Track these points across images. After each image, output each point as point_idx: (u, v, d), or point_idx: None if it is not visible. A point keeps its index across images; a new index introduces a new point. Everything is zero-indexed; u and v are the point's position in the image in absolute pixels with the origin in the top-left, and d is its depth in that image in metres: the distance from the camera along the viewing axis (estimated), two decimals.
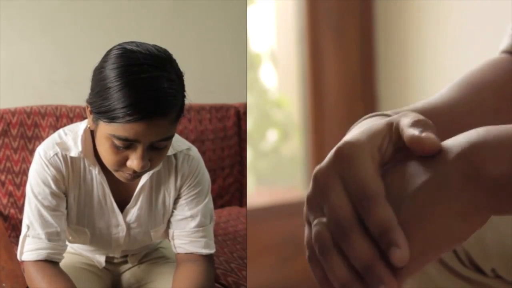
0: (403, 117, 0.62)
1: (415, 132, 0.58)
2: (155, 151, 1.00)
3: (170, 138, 1.01)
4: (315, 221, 0.60)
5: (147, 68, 0.94)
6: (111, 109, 0.94)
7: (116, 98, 0.93)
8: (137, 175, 1.04)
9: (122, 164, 1.00)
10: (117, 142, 0.97)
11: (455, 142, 0.57)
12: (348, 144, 0.61)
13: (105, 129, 0.97)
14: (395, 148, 0.61)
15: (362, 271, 0.58)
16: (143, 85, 0.93)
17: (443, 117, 0.73)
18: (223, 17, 2.09)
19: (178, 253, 1.19)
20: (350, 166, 0.59)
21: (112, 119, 0.94)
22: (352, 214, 0.58)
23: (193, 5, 2.05)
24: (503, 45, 0.88)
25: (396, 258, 0.56)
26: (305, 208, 0.63)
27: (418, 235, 0.57)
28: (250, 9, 2.31)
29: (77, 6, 1.87)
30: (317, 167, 0.62)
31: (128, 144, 0.97)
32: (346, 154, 0.60)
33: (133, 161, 0.98)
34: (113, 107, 0.93)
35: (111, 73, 0.95)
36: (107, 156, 1.01)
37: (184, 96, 1.01)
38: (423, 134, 0.58)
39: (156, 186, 1.17)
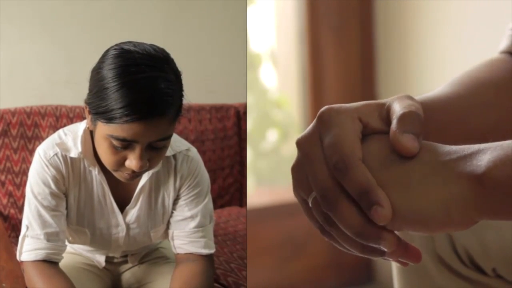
0: (397, 100, 0.62)
1: (396, 130, 0.59)
2: (153, 151, 1.00)
3: (168, 138, 1.01)
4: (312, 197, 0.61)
5: (144, 69, 0.94)
6: (108, 110, 0.94)
7: (113, 99, 0.93)
8: (136, 175, 1.05)
9: (121, 164, 1.01)
10: (115, 143, 0.97)
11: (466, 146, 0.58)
12: (329, 109, 0.62)
13: (103, 129, 0.97)
14: (384, 124, 0.62)
15: (357, 238, 0.58)
16: (140, 86, 0.93)
17: (441, 112, 0.73)
18: (223, 17, 2.08)
19: (178, 253, 1.19)
20: (328, 130, 0.60)
21: (110, 120, 0.94)
22: (334, 183, 0.59)
23: (193, 5, 2.05)
24: (502, 45, 0.89)
25: (379, 216, 0.56)
26: (292, 181, 0.64)
27: (395, 200, 0.57)
28: (250, 9, 2.31)
29: (77, 6, 1.87)
30: (300, 135, 0.63)
31: (126, 144, 0.97)
32: (326, 119, 0.61)
33: (132, 161, 0.98)
34: (111, 107, 0.93)
35: (108, 73, 0.95)
36: (106, 156, 1.01)
37: (182, 96, 1.01)
38: (403, 136, 0.58)
39: (155, 186, 1.17)
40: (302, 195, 0.64)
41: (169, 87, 0.96)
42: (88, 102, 1.00)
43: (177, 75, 1.00)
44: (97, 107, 0.96)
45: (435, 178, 0.56)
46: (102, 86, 0.95)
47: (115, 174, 1.05)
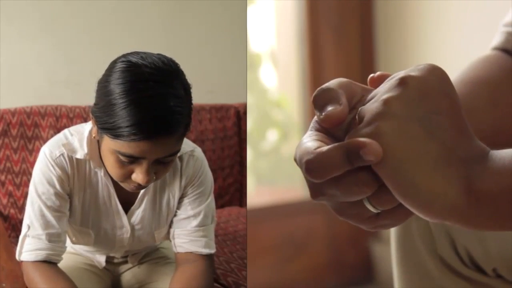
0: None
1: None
2: (160, 165, 1.00)
3: (176, 153, 1.00)
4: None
5: (153, 85, 0.93)
6: (115, 127, 0.93)
7: (121, 116, 0.92)
8: (142, 187, 1.04)
9: (127, 176, 1.00)
10: (122, 158, 0.96)
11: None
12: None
13: (110, 144, 0.97)
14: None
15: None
16: (148, 104, 0.92)
17: None
18: (223, 17, 2.08)
19: (178, 252, 1.19)
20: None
21: (117, 137, 0.94)
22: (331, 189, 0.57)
23: (193, 5, 2.05)
24: (494, 42, 0.89)
25: (372, 151, 0.53)
26: None
27: (400, 164, 0.54)
28: (250, 9, 2.31)
29: (77, 6, 1.87)
30: None
31: (133, 159, 0.96)
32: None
33: (138, 175, 0.98)
34: (118, 125, 0.92)
35: (116, 88, 0.93)
36: (112, 169, 1.01)
37: (191, 110, 1.00)
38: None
39: (160, 188, 1.17)
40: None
41: (178, 104, 0.94)
42: (95, 115, 0.98)
43: (186, 89, 0.98)
44: (104, 122, 0.95)
45: (444, 167, 0.54)
46: (109, 102, 0.94)
47: (122, 184, 1.05)
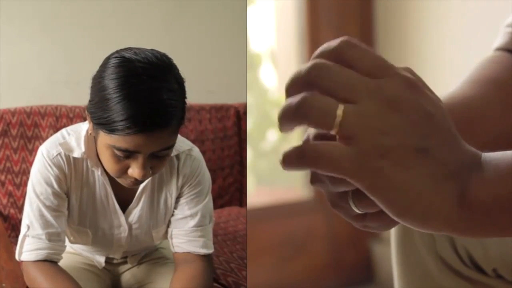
0: None
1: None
2: (156, 159, 1.00)
3: (171, 147, 1.01)
4: None
5: (146, 80, 0.93)
6: (110, 121, 0.93)
7: (115, 111, 0.92)
8: (139, 182, 1.05)
9: (123, 172, 1.01)
10: (117, 153, 0.97)
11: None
12: None
13: (105, 139, 0.97)
14: None
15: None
16: (142, 98, 0.92)
17: (468, 111, 0.73)
18: (223, 17, 2.09)
19: (176, 252, 1.19)
20: None
21: (112, 131, 0.94)
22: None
23: (193, 5, 2.05)
24: (497, 43, 0.89)
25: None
26: None
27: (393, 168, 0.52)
28: (250, 9, 2.31)
29: (77, 6, 1.87)
30: None
31: (129, 154, 0.97)
32: None
33: (134, 170, 0.98)
34: (113, 119, 0.93)
35: (110, 84, 0.94)
36: (109, 165, 1.01)
37: (185, 103, 1.00)
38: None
39: (158, 186, 1.17)
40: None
41: (171, 97, 0.95)
42: (90, 111, 0.99)
43: (179, 83, 0.99)
44: (98, 118, 0.96)
45: (438, 184, 0.53)
46: (104, 97, 0.94)
47: (118, 180, 1.05)
